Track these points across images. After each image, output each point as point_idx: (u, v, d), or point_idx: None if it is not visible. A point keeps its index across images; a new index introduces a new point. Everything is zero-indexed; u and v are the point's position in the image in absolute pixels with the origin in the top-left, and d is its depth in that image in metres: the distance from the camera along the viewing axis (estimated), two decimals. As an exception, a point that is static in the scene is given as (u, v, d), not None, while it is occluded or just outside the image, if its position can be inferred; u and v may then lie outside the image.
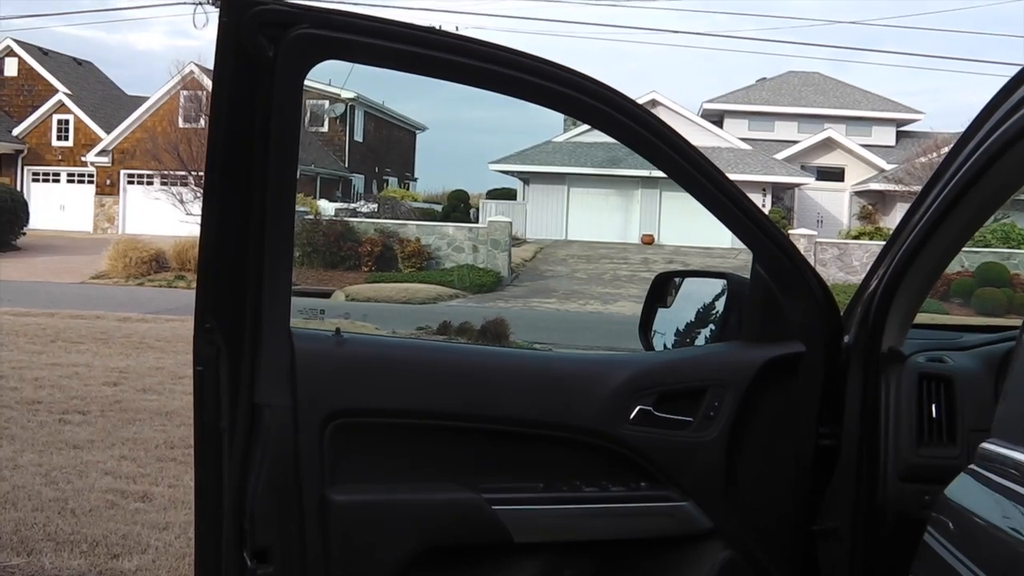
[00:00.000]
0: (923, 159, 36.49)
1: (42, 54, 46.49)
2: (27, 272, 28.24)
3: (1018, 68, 2.15)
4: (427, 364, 2.53)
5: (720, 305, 2.88)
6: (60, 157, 43.78)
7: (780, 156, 42.37)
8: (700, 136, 38.17)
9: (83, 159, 42.87)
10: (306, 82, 2.32)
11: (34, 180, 44.00)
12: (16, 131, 43.79)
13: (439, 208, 41.46)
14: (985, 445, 1.86)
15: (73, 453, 7.27)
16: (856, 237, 35.39)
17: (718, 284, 2.92)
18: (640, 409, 2.54)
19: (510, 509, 2.46)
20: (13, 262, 30.68)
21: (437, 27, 2.52)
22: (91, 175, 43.13)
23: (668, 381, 2.60)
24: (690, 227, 35.15)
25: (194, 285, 2.32)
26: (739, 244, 2.77)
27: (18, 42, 45.25)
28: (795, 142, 44.33)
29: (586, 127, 36.00)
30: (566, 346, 15.03)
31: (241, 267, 2.25)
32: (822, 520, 2.61)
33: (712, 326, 2.95)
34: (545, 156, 40.59)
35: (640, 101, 2.54)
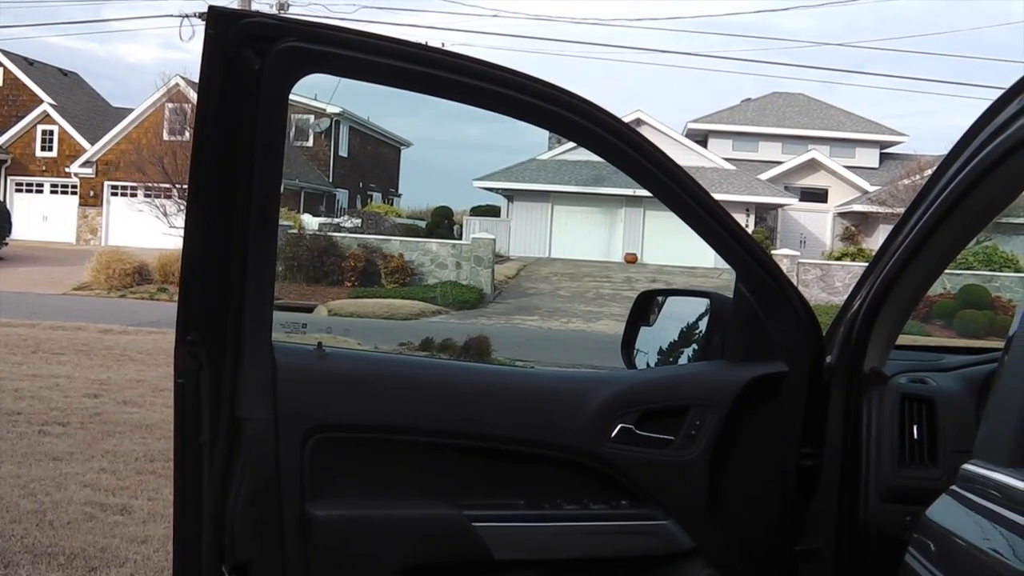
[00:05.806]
0: (906, 181, 36.79)
1: (27, 64, 46.40)
2: (8, 283, 28.06)
3: (1002, 91, 2.17)
4: (409, 380, 2.52)
5: (703, 324, 2.88)
6: (44, 168, 43.61)
7: (764, 176, 42.54)
8: (684, 156, 38.32)
9: (67, 170, 42.71)
10: (291, 96, 2.31)
11: (17, 190, 43.82)
12: (0, 141, 43.60)
13: (423, 224, 41.45)
14: (967, 466, 1.86)
15: (52, 465, 7.21)
16: (839, 258, 35.55)
17: (701, 303, 2.91)
18: (622, 427, 2.54)
19: (490, 526, 2.45)
20: (-6, 272, 30.52)
21: (424, 43, 2.52)
22: (75, 186, 42.97)
23: (650, 399, 2.60)
24: (673, 246, 35.30)
25: (176, 298, 2.31)
26: (722, 263, 2.77)
27: (3, 52, 45.15)
28: (779, 163, 44.57)
29: (571, 145, 36.18)
30: (548, 364, 14.99)
31: (224, 280, 2.24)
32: (804, 540, 2.61)
33: (695, 345, 2.95)
34: (529, 174, 40.66)
35: (625, 120, 2.54)
